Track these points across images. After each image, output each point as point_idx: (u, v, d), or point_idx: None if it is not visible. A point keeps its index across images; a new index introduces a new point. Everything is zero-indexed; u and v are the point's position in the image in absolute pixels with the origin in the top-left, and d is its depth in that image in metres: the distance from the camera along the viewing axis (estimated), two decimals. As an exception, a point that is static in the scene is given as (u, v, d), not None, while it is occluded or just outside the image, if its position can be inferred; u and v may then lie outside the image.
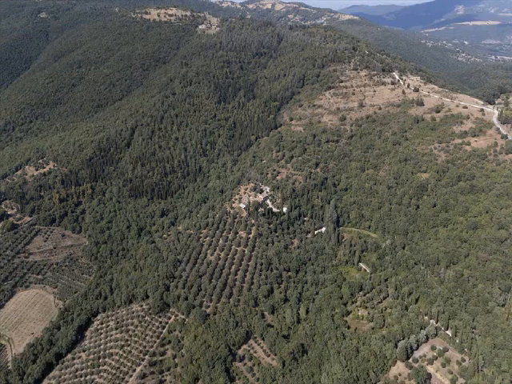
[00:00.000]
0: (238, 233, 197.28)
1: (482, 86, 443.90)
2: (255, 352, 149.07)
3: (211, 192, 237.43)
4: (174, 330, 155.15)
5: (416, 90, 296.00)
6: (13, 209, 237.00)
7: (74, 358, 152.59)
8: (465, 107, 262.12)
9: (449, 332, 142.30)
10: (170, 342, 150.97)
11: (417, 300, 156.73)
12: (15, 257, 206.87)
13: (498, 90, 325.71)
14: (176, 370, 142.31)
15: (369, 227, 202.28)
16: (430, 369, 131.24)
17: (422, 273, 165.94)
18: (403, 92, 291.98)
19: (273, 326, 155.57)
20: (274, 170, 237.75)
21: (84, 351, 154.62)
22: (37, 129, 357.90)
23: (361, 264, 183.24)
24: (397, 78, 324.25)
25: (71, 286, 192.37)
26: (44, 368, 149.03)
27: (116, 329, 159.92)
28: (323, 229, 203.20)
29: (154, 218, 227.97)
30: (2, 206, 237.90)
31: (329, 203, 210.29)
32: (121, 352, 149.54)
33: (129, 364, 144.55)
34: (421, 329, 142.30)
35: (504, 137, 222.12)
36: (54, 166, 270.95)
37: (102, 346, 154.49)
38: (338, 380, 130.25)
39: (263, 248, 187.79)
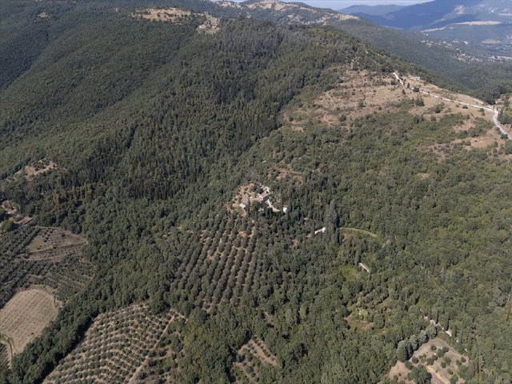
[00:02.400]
0: (237, 233, 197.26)
1: (482, 85, 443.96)
2: (255, 352, 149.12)
3: (211, 192, 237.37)
4: (174, 330, 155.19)
5: (416, 90, 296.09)
6: (13, 209, 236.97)
7: (74, 358, 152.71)
8: (465, 107, 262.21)
9: (449, 332, 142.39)
10: (170, 342, 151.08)
11: (417, 300, 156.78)
12: (15, 257, 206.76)
13: (498, 90, 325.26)
14: (176, 370, 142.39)
15: (369, 227, 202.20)
16: (430, 369, 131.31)
17: (422, 273, 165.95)
18: (403, 92, 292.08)
19: (273, 326, 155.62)
20: (274, 170, 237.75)
21: (84, 351, 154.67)
22: (37, 129, 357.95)
23: (361, 264, 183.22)
24: (397, 77, 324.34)
25: (71, 286, 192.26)
26: (44, 368, 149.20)
27: (116, 329, 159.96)
28: (323, 229, 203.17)
29: (154, 218, 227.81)
30: (2, 205, 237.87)
31: (329, 203, 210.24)
32: (121, 352, 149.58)
33: (129, 364, 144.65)
34: (421, 329, 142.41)
35: (504, 137, 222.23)
36: (54, 166, 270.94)
37: (102, 346, 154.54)
38: (338, 380, 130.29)
39: (263, 248, 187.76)
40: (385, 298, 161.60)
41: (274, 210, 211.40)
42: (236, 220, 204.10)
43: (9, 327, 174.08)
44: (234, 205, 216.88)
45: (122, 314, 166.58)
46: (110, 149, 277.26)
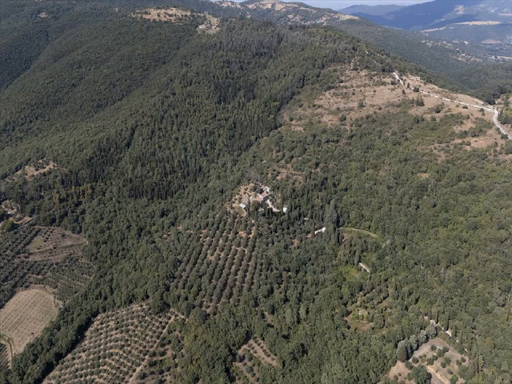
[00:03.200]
0: (237, 233, 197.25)
1: (482, 86, 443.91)
2: (255, 352, 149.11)
3: (211, 192, 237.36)
4: (174, 330, 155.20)
5: (416, 90, 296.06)
6: (13, 209, 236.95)
7: (74, 358, 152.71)
8: (465, 107, 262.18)
9: (449, 332, 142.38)
10: (170, 341, 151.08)
11: (417, 300, 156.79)
12: (15, 257, 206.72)
13: (498, 90, 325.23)
14: (176, 370, 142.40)
15: (369, 227, 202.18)
16: (430, 369, 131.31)
17: (422, 273, 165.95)
18: (403, 92, 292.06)
19: (273, 326, 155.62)
20: (274, 170, 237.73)
21: (84, 351, 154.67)
22: (37, 129, 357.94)
23: (361, 264, 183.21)
24: (397, 77, 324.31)
25: (71, 286, 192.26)
26: (44, 368, 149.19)
27: (116, 329, 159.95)
28: (323, 229, 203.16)
29: (154, 218, 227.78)
30: (2, 205, 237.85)
31: (329, 203, 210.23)
32: (121, 352, 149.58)
33: (129, 364, 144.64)
34: (421, 329, 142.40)
35: (504, 137, 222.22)
36: (54, 166, 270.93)
37: (102, 346, 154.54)
38: (338, 380, 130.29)
39: (263, 248, 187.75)
40: (385, 298, 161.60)
41: (274, 210, 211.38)
42: (236, 220, 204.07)
43: (9, 327, 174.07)
44: (234, 205, 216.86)
45: (122, 313, 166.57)
46: (110, 149, 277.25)
